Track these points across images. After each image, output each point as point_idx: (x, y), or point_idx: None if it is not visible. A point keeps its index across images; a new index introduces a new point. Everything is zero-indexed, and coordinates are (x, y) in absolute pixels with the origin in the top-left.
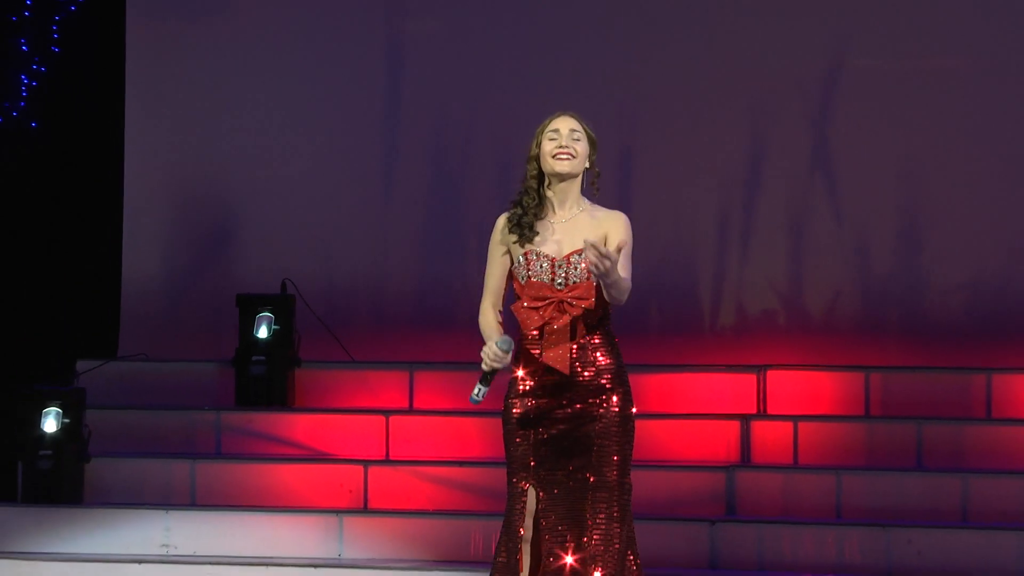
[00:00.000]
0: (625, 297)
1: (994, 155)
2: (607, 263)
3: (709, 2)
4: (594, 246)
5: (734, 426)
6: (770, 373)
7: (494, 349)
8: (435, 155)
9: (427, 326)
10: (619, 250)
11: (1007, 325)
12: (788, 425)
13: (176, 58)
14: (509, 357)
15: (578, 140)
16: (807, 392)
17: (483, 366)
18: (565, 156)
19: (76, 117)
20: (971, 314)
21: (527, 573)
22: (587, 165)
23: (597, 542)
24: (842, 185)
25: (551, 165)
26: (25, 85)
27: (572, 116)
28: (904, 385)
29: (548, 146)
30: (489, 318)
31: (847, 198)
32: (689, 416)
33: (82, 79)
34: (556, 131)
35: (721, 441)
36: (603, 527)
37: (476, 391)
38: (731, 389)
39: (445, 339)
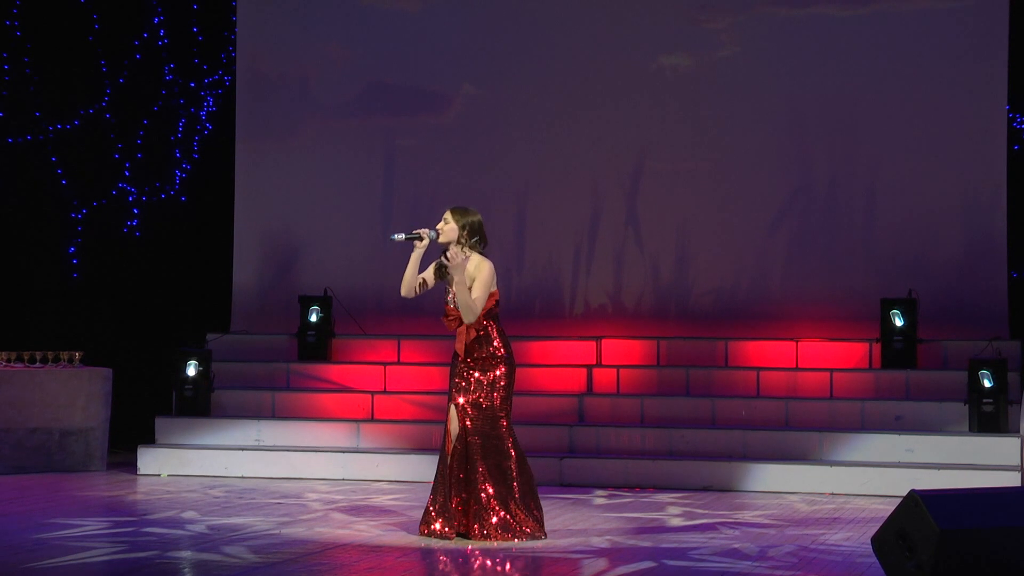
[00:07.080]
0: (472, 314)
1: (730, 217)
2: (455, 260)
3: (576, 119)
4: (448, 254)
5: (583, 371)
6: (604, 341)
7: (428, 231)
8: (412, 217)
9: (408, 314)
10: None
11: (735, 313)
12: (614, 371)
13: (263, 158)
14: (427, 240)
15: (447, 223)
16: (625, 352)
17: (417, 231)
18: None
19: (207, 193)
20: (716, 307)
21: (451, 451)
22: (462, 234)
23: (484, 432)
24: (643, 233)
25: None
26: (178, 177)
27: (448, 210)
28: (679, 347)
29: None
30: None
31: (646, 240)
32: (557, 365)
33: (210, 171)
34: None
35: (576, 379)
36: (491, 422)
37: (398, 235)
38: (581, 350)
39: (419, 321)
